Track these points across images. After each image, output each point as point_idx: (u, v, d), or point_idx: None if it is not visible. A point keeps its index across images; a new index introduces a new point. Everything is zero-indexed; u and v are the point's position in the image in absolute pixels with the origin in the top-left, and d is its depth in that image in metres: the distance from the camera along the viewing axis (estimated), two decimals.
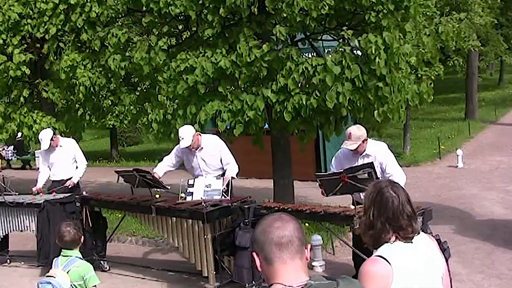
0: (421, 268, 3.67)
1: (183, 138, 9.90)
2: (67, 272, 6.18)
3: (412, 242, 3.70)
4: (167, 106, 11.71)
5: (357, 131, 8.49)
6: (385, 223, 3.69)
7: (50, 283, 6.00)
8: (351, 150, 8.51)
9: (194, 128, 10.28)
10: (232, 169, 10.15)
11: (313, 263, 10.00)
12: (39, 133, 15.29)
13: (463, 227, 12.01)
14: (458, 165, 19.33)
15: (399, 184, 3.86)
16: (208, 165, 10.18)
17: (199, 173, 10.22)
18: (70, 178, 11.91)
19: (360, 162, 8.51)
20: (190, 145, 9.94)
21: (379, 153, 8.54)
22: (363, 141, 8.47)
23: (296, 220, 3.07)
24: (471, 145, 23.69)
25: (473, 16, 26.08)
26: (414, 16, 11.47)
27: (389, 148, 8.82)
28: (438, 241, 7.11)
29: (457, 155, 19.62)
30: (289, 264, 2.96)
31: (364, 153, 8.56)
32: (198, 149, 10.16)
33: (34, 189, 11.73)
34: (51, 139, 11.85)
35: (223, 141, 10.47)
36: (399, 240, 3.69)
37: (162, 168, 10.52)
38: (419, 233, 3.80)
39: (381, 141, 9.07)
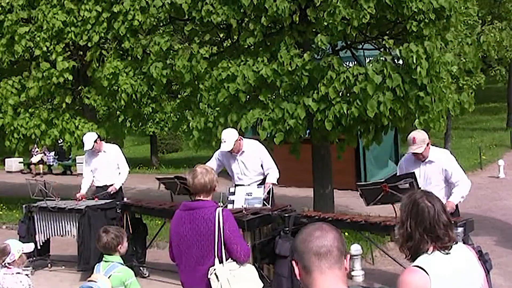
0: (458, 279, 3.66)
1: (225, 141, 9.85)
2: (108, 277, 6.24)
3: (450, 252, 3.70)
4: (208, 113, 11.76)
5: (420, 135, 8.39)
6: (423, 234, 3.69)
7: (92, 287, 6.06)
8: (417, 153, 8.37)
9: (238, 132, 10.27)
10: (273, 174, 10.14)
11: (352, 273, 9.94)
12: (81, 139, 15.53)
13: (504, 239, 11.87)
14: (500, 175, 19.08)
15: (432, 193, 3.86)
16: (249, 169, 10.17)
17: (239, 177, 10.23)
18: (112, 184, 11.98)
19: (423, 168, 8.47)
20: (232, 149, 9.95)
21: (442, 160, 8.48)
22: (427, 145, 8.41)
23: (336, 230, 3.09)
24: None
25: None
26: (455, 25, 11.41)
27: None
28: (480, 253, 7.09)
29: (499, 165, 19.33)
30: (328, 274, 2.98)
31: (427, 159, 8.51)
32: (239, 153, 10.18)
33: (78, 195, 11.77)
34: (95, 142, 11.89)
35: (264, 146, 10.47)
36: (437, 250, 3.69)
37: None
38: (456, 242, 3.79)
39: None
